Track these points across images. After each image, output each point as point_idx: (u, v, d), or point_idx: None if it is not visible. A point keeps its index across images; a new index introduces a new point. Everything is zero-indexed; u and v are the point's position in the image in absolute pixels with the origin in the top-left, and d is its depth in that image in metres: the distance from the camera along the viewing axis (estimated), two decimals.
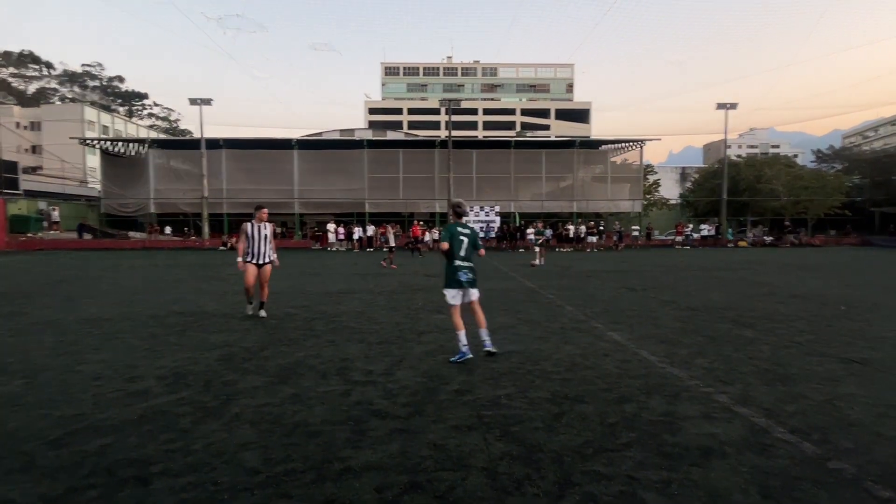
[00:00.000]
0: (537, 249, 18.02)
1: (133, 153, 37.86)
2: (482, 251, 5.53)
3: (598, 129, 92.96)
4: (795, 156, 69.23)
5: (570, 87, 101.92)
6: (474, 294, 5.32)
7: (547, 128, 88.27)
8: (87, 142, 39.58)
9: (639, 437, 3.29)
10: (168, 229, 35.14)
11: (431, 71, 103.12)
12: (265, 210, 7.70)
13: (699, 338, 6.20)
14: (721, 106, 34.27)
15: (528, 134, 70.25)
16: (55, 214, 35.37)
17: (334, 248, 29.92)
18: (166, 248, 31.29)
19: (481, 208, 33.40)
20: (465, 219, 5.52)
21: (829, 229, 40.55)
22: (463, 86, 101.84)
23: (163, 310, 8.27)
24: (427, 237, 30.01)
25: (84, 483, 2.70)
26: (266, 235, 7.59)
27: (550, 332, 6.60)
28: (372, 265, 17.77)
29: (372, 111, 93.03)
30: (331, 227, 30.84)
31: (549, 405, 3.88)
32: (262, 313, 7.52)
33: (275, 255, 7.80)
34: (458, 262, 5.19)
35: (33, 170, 51.40)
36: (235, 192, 34.35)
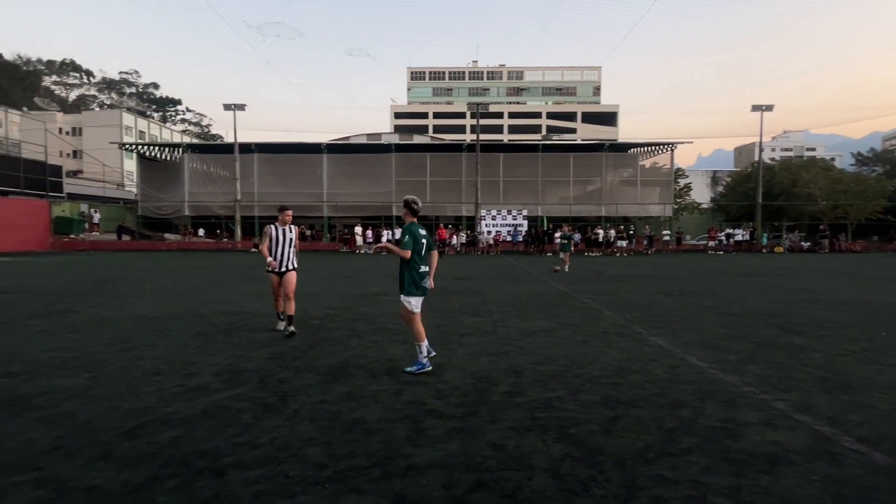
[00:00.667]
0: (562, 255, 17.04)
1: (168, 157, 39.01)
2: (435, 252, 5.14)
3: (625, 132, 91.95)
4: (833, 159, 67.08)
5: (597, 90, 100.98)
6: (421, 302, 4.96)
7: (573, 131, 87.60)
8: (126, 146, 40.98)
9: (700, 442, 3.25)
10: (201, 231, 36.08)
11: (457, 75, 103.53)
12: (289, 211, 6.93)
13: (747, 344, 6.06)
14: (756, 108, 33.45)
15: (553, 137, 69.83)
16: (96, 216, 36.69)
17: (362, 251, 30.24)
18: (200, 249, 32.11)
19: (508, 212, 33.32)
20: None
21: (872, 235, 39.06)
22: (488, 89, 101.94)
23: (207, 309, 8.51)
24: (455, 240, 30.09)
25: (162, 473, 2.82)
26: (291, 239, 6.81)
27: (592, 336, 6.56)
28: None
29: (398, 115, 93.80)
30: (358, 230, 31.19)
31: (603, 409, 3.86)
32: (291, 328, 6.48)
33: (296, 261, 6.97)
34: (422, 268, 4.85)
35: (75, 173, 53.46)
36: (266, 195, 35.07)
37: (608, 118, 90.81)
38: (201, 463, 2.93)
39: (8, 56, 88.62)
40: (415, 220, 4.97)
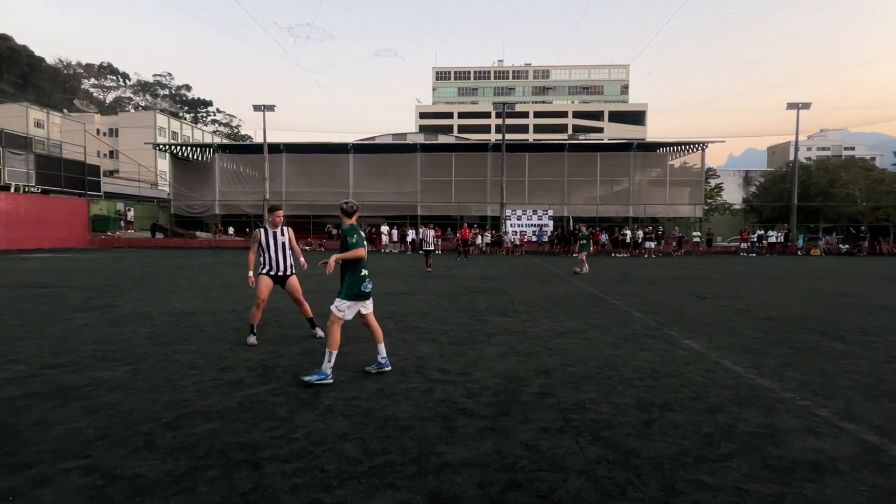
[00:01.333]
0: (581, 256, 16.34)
1: (200, 157, 40.00)
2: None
3: (653, 131, 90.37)
4: (874, 158, 64.49)
5: (624, 89, 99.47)
6: (370, 305, 4.72)
7: (600, 130, 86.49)
8: (160, 147, 42.20)
9: (740, 448, 3.17)
10: (231, 230, 36.89)
11: (482, 75, 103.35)
12: (280, 212, 6.22)
13: (786, 349, 5.88)
14: (792, 105, 32.41)
15: (580, 137, 69.01)
16: (130, 214, 37.92)
17: (388, 250, 30.46)
18: (230, 247, 32.83)
19: (534, 212, 33.09)
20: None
21: None
22: (514, 89, 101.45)
23: (239, 305, 8.70)
24: (479, 240, 30.03)
25: (203, 463, 2.89)
26: (284, 243, 6.17)
27: (622, 338, 6.46)
28: (426, 267, 17.94)
29: (423, 115, 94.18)
30: (384, 229, 31.42)
31: (637, 412, 3.80)
32: (319, 333, 6.33)
33: (302, 259, 6.51)
34: (364, 271, 4.60)
35: (111, 173, 55.32)
36: (294, 194, 35.66)
37: (636, 117, 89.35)
38: (240, 455, 3.00)
39: (50, 61, 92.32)
40: (353, 222, 4.75)
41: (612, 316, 8.11)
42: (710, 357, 5.48)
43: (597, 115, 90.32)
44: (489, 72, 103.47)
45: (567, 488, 2.66)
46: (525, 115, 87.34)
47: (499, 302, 9.56)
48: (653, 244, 28.71)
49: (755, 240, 31.99)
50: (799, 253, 31.76)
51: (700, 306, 9.30)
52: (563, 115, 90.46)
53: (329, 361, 4.37)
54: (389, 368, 4.78)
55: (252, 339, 5.97)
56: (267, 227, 6.13)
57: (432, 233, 17.77)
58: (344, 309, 4.46)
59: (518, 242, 30.09)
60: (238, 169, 38.39)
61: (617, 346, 5.95)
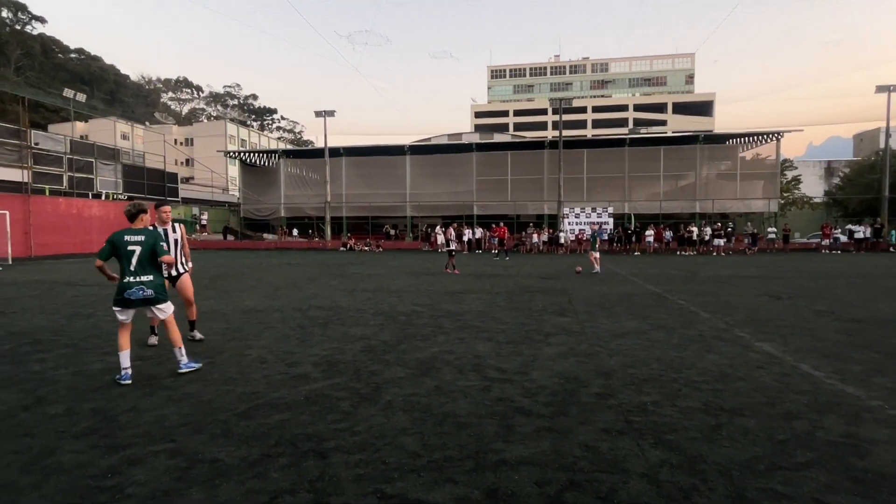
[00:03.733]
0: (596, 255, 15.71)
1: (266, 163, 42.06)
2: (166, 258, 4.73)
3: (722, 122, 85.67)
4: None
5: (690, 79, 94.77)
6: (166, 310, 4.65)
7: (663, 123, 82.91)
8: (230, 154, 44.76)
9: (818, 457, 2.98)
10: (295, 231, 38.55)
11: (538, 71, 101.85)
12: (167, 208, 5.96)
13: (873, 354, 5.43)
14: (881, 89, 29.68)
15: (642, 130, 66.45)
16: (204, 218, 40.49)
17: (444, 250, 30.70)
18: (294, 248, 34.31)
19: (593, 209, 32.25)
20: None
21: None
22: (571, 84, 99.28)
23: (304, 304, 9.10)
24: (536, 239, 29.63)
25: (274, 451, 3.08)
26: (176, 240, 5.94)
27: (688, 339, 6.20)
28: (484, 266, 17.95)
29: (478, 115, 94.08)
30: (440, 229, 31.71)
31: (704, 416, 3.65)
32: (197, 335, 6.16)
33: (190, 263, 6.29)
34: (127, 279, 4.43)
35: (187, 180, 59.25)
36: (354, 196, 36.75)
37: (703, 108, 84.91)
38: (307, 445, 3.16)
39: (134, 77, 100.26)
40: (132, 225, 4.64)
41: (677, 316, 7.79)
42: (785, 361, 5.16)
43: (660, 108, 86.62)
44: (545, 68, 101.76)
45: (628, 490, 2.61)
46: (583, 110, 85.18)
47: (556, 301, 9.43)
48: (722, 241, 27.16)
49: (840, 235, 29.53)
50: (891, 250, 29.01)
51: (775, 307, 8.74)
52: (624, 108, 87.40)
53: (123, 364, 4.48)
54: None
55: (153, 340, 5.90)
56: (156, 224, 5.80)
57: (454, 232, 16.59)
58: (117, 314, 4.54)
59: (576, 240, 29.36)
60: (301, 173, 40.03)
61: (682, 348, 5.72)
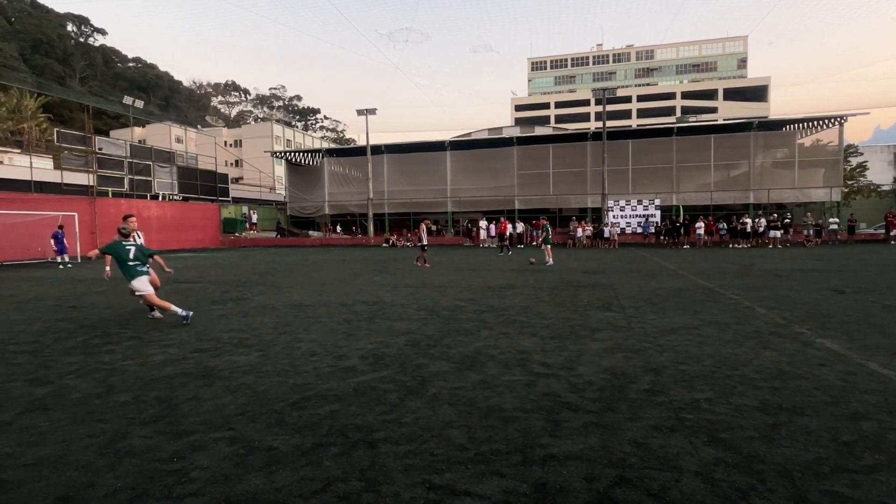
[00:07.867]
0: (545, 247, 16.74)
1: (311, 162, 43.15)
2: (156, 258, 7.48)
3: (777, 107, 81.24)
4: None
5: (742, 63, 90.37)
6: (142, 289, 7.15)
7: (714, 110, 79.52)
8: (276, 154, 46.17)
9: (889, 460, 2.81)
10: (339, 228, 39.41)
11: (580, 61, 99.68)
12: (133, 219, 7.78)
13: None
14: None
15: (690, 119, 63.91)
16: (254, 217, 41.99)
17: (485, 245, 30.63)
18: (339, 245, 35.08)
19: (639, 202, 31.33)
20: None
21: None
22: (615, 73, 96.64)
23: (349, 299, 9.31)
24: (580, 233, 29.08)
25: (325, 441, 3.18)
26: (140, 244, 7.62)
27: (743, 335, 5.95)
28: (525, 261, 17.79)
29: (518, 108, 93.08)
30: (483, 223, 31.63)
31: (761, 414, 3.50)
32: (157, 314, 7.65)
33: (152, 272, 7.65)
34: (129, 265, 7.10)
35: (237, 180, 61.58)
36: (395, 193, 37.18)
37: (757, 93, 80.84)
38: (357, 435, 3.26)
39: (186, 83, 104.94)
40: (121, 238, 7.21)
41: (731, 312, 7.49)
42: (851, 358, 4.88)
43: (709, 95, 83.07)
44: (587, 57, 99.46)
45: (680, 488, 2.55)
46: (627, 99, 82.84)
47: (602, 297, 9.25)
48: (779, 233, 25.83)
49: None
50: None
51: (838, 302, 8.26)
52: (671, 96, 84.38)
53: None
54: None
55: (155, 314, 7.70)
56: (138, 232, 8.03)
57: (425, 228, 16.96)
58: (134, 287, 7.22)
59: (613, 234, 28.47)
60: (344, 171, 40.82)
61: (737, 345, 5.50)
